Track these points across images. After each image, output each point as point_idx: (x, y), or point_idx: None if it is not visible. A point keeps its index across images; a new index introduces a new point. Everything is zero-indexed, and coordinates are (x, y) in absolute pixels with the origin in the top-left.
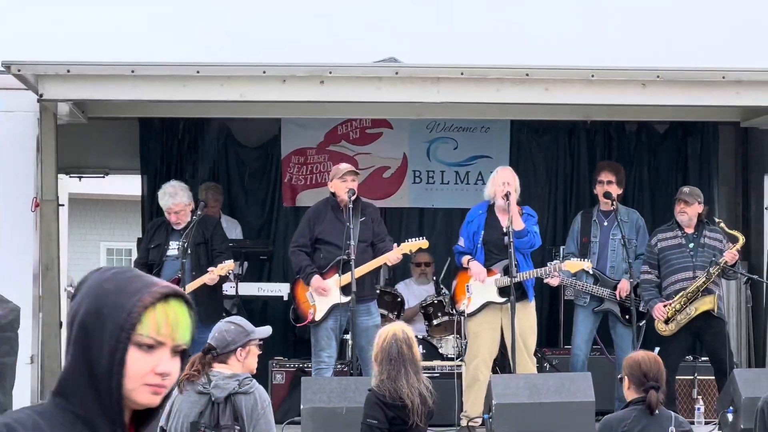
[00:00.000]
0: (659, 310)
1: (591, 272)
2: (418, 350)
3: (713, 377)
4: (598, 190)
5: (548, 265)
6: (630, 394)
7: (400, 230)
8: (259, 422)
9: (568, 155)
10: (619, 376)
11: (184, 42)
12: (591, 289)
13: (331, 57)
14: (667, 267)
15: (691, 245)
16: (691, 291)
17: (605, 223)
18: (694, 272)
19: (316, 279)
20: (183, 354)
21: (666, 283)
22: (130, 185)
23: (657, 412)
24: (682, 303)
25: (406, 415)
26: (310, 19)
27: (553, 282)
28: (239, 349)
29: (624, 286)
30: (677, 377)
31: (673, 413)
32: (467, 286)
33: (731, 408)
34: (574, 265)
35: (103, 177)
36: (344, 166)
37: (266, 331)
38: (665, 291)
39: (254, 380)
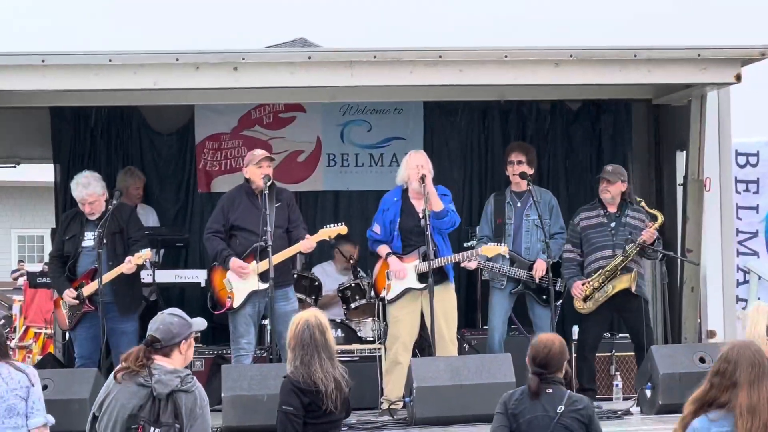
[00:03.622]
0: (577, 288)
1: (507, 256)
2: (332, 336)
3: (631, 353)
4: (510, 170)
5: (465, 250)
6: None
7: (315, 214)
8: (197, 422)
9: (482, 135)
10: None
11: (95, 32)
12: (508, 271)
13: (239, 38)
14: (588, 245)
15: (613, 224)
16: (609, 269)
17: (518, 204)
18: (613, 251)
19: (234, 260)
20: None
21: (587, 262)
22: (41, 172)
23: (540, 395)
24: (601, 281)
25: (321, 401)
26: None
27: (471, 266)
28: (183, 341)
29: (540, 266)
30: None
31: (568, 392)
32: (387, 273)
33: (649, 384)
34: (491, 249)
35: (15, 167)
36: (259, 152)
37: (202, 323)
38: (586, 269)
39: (195, 378)
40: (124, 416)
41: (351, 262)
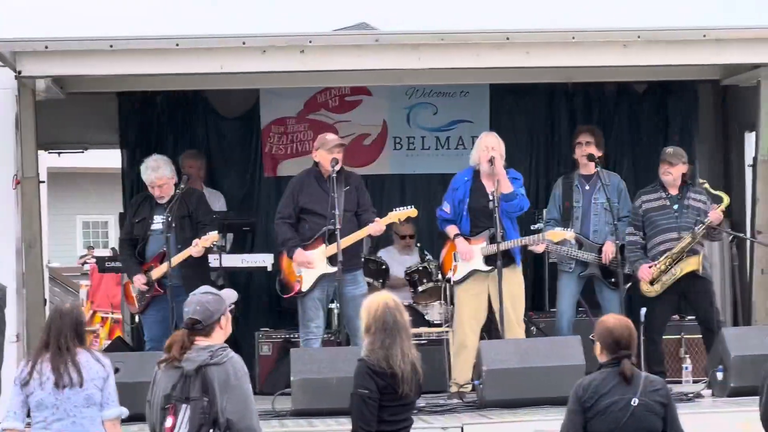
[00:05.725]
0: (645, 272)
1: (573, 241)
2: (408, 318)
3: (700, 336)
4: (578, 153)
5: (532, 233)
6: (602, 357)
7: (381, 197)
8: (234, 392)
9: (548, 118)
10: (590, 337)
11: (160, 15)
12: (576, 254)
13: (301, 23)
14: (651, 228)
15: (676, 206)
16: (677, 252)
17: (587, 187)
18: (678, 233)
19: (298, 253)
20: None
21: (651, 245)
22: (105, 158)
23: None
24: (668, 264)
25: (397, 384)
26: None
27: (538, 249)
28: (222, 317)
29: (609, 249)
30: (664, 337)
31: (644, 374)
32: (454, 254)
33: (721, 367)
34: (556, 234)
35: (82, 152)
36: (332, 138)
37: (233, 294)
38: (650, 252)
39: (229, 349)
40: (161, 398)
41: (406, 239)
